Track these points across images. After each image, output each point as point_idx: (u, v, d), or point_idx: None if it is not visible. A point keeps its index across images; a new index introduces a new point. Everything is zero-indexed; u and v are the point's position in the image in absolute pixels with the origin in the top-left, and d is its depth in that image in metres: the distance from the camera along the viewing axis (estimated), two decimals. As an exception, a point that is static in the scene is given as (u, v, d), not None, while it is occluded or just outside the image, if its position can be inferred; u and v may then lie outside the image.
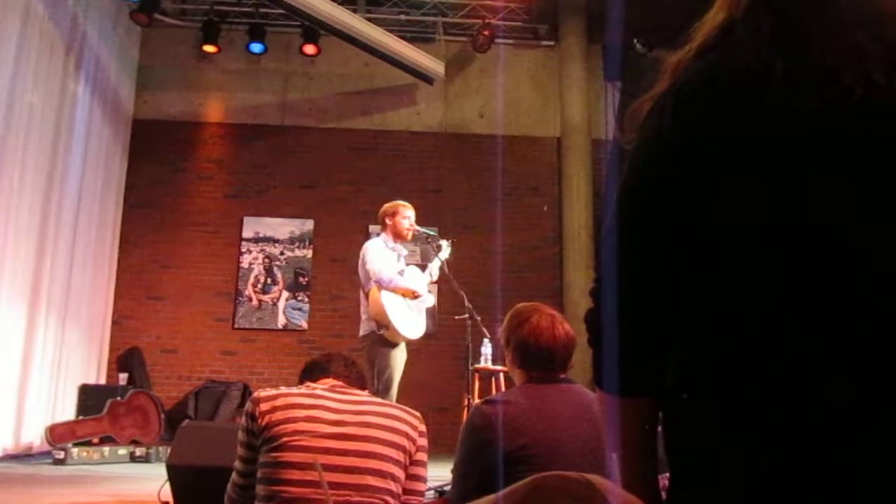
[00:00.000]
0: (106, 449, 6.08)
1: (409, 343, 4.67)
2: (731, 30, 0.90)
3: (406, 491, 2.00)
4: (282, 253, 8.46)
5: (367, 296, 4.60)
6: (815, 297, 0.76)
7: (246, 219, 8.49)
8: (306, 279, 8.43)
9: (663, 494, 0.96)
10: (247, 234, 8.46)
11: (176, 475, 3.52)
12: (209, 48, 8.53)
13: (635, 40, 7.90)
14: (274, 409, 1.91)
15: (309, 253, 8.48)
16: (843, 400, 0.73)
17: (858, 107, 0.78)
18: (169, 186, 8.52)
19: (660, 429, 0.98)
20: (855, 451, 0.71)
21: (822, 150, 0.79)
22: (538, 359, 2.11)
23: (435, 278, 5.00)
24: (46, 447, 6.04)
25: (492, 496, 0.61)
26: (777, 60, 0.82)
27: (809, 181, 0.79)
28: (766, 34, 0.85)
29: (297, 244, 8.49)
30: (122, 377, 7.45)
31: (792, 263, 0.78)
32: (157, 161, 8.54)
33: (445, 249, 5.11)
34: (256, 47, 8.55)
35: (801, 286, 0.77)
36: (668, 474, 0.92)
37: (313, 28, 8.17)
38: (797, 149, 0.80)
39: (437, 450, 3.57)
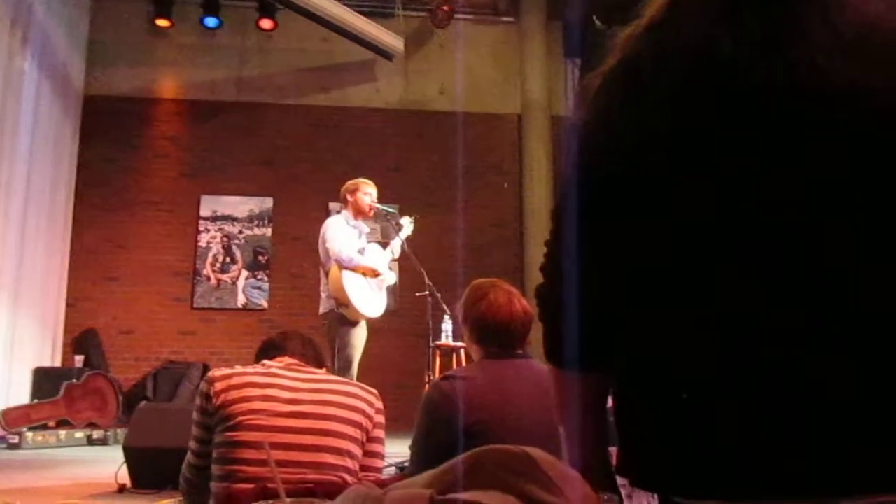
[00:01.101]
0: (62, 433, 5.98)
1: (370, 321, 4.66)
2: (680, 4, 0.89)
3: (363, 468, 2.00)
4: (240, 231, 8.35)
5: (326, 274, 4.57)
6: (777, 288, 0.77)
7: (203, 197, 8.35)
8: (266, 258, 8.35)
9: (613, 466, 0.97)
10: (204, 212, 8.33)
11: (133, 457, 3.50)
12: (162, 22, 8.31)
13: (595, 17, 7.91)
14: (229, 389, 1.89)
15: (268, 231, 8.40)
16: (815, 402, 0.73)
17: (803, 83, 0.78)
18: (123, 165, 8.33)
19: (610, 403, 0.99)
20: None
21: (768, 123, 0.79)
22: (495, 335, 2.13)
23: (397, 256, 4.99)
24: (0, 432, 5.92)
25: (432, 471, 0.61)
26: (724, 34, 0.82)
27: (759, 155, 0.79)
28: (714, 9, 0.85)
29: (255, 222, 8.39)
30: (78, 359, 7.32)
31: (735, 251, 0.79)
32: (110, 139, 8.34)
33: (408, 226, 5.10)
34: (211, 21, 8.35)
35: (770, 267, 0.78)
36: (617, 447, 0.94)
37: (270, 2, 8.02)
38: (744, 122, 0.80)
39: (398, 427, 3.59)
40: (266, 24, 8.37)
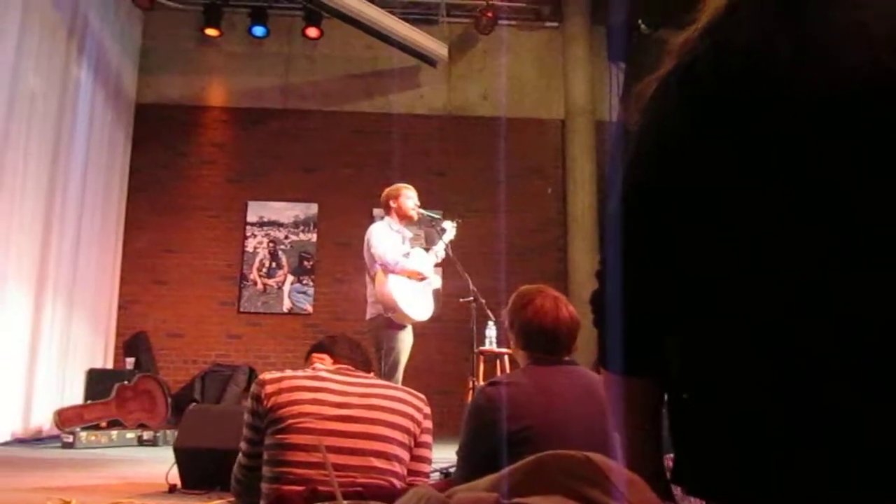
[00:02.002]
0: (114, 433, 6.12)
1: (415, 326, 4.67)
2: (737, 9, 0.89)
3: (411, 472, 2.01)
4: (286, 237, 8.47)
5: (372, 279, 4.60)
6: (826, 287, 0.76)
7: (250, 203, 8.49)
8: (311, 263, 8.44)
9: (668, 474, 0.96)
10: (251, 218, 8.47)
11: (183, 458, 3.55)
12: (211, 31, 8.49)
13: (640, 20, 7.83)
14: (279, 392, 1.92)
15: (313, 237, 8.49)
16: (850, 403, 0.73)
17: (864, 86, 0.77)
18: (172, 171, 8.52)
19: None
20: (860, 453, 0.72)
21: (828, 127, 0.79)
22: (542, 340, 2.12)
23: (440, 259, 4.99)
24: (55, 431, 6.08)
25: (494, 475, 0.61)
26: (782, 39, 0.81)
27: (817, 160, 0.79)
28: (770, 13, 0.85)
29: (301, 228, 8.49)
30: (129, 361, 7.48)
31: (800, 248, 0.78)
32: (161, 145, 8.54)
33: (451, 230, 5.09)
34: (259, 30, 8.51)
35: (813, 273, 0.77)
36: (672, 455, 0.93)
37: (315, 10, 8.13)
38: (803, 128, 0.79)
39: (442, 432, 3.59)
40: (312, 32, 8.48)
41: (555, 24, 9.17)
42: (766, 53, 0.81)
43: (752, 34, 0.84)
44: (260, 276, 8.37)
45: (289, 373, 2.01)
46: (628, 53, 8.37)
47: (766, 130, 0.81)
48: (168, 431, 6.23)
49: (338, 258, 8.28)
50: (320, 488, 1.65)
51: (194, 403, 5.91)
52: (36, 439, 6.25)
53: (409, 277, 4.62)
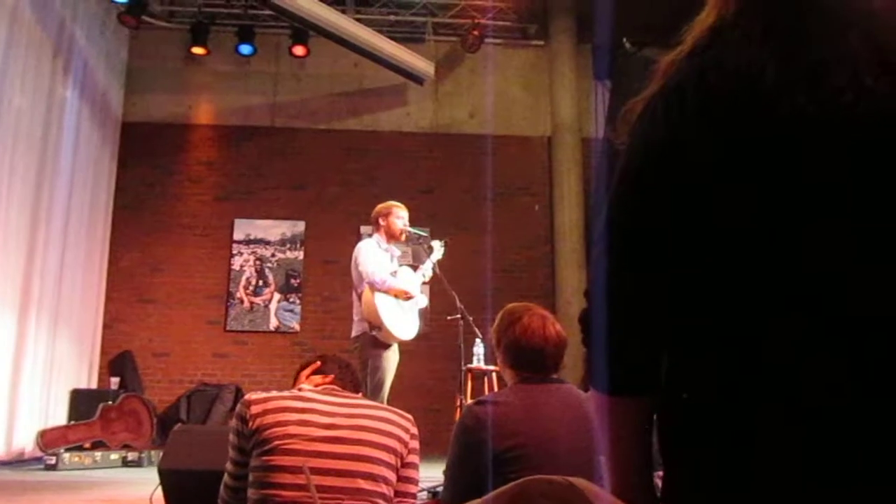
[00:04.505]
0: (98, 454, 6.04)
1: (402, 343, 4.66)
2: (722, 31, 0.90)
3: (398, 493, 2.00)
4: (273, 255, 8.43)
5: (359, 297, 4.59)
6: (809, 302, 0.77)
7: (237, 221, 8.47)
8: (298, 281, 8.41)
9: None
10: (238, 236, 8.44)
11: (168, 479, 3.50)
12: (198, 50, 8.49)
13: (624, 39, 7.91)
14: (265, 412, 1.90)
15: (300, 254, 8.47)
16: (841, 401, 0.73)
17: (849, 108, 0.78)
18: (159, 189, 8.49)
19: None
20: (858, 451, 0.72)
21: (814, 151, 0.79)
22: (529, 359, 2.12)
23: (428, 278, 4.99)
24: (38, 453, 6.00)
25: (477, 501, 0.60)
26: (768, 62, 0.82)
27: (801, 182, 0.79)
28: (756, 36, 0.86)
29: (288, 246, 8.47)
30: (114, 381, 7.39)
31: (784, 267, 0.79)
32: (147, 164, 8.51)
33: (438, 250, 5.09)
34: (245, 49, 8.51)
35: (794, 290, 0.78)
36: (661, 473, 0.93)
37: (302, 29, 8.15)
38: (788, 150, 0.80)
39: (429, 451, 3.58)
40: (299, 50, 8.50)
41: (541, 42, 9.25)
42: (752, 77, 0.82)
43: (739, 58, 0.85)
44: (247, 294, 8.32)
45: (275, 393, 1.99)
46: (613, 72, 8.45)
47: (752, 152, 0.82)
48: (153, 452, 6.16)
49: (325, 276, 8.26)
50: (306, 510, 1.64)
51: (180, 423, 5.85)
52: (18, 461, 6.16)
53: (397, 296, 4.62)
